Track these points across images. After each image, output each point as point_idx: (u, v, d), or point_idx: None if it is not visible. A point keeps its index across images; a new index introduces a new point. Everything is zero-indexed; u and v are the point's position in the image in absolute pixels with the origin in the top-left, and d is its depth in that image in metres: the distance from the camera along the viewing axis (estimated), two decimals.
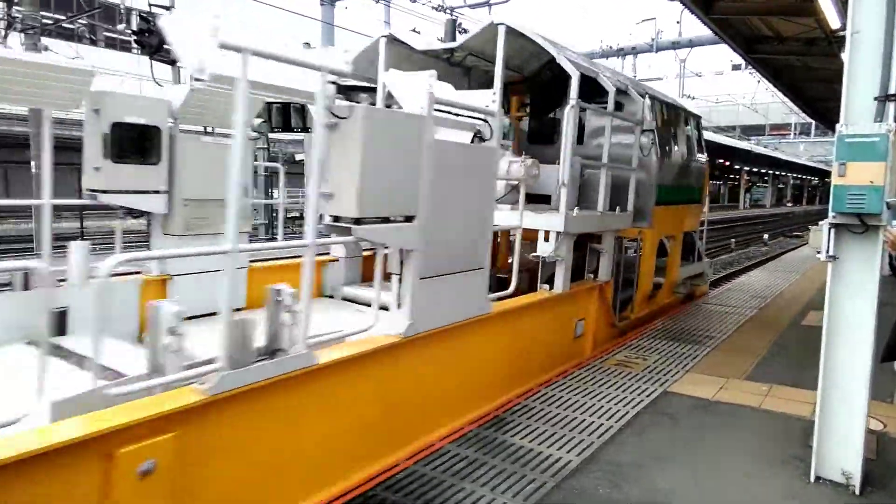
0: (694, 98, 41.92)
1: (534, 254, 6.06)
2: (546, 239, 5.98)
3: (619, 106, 6.97)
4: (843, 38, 3.84)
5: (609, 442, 4.53)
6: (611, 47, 29.41)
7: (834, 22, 10.83)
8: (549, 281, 6.16)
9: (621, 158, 7.09)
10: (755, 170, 58.75)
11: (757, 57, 15.88)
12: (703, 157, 9.67)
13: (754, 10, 12.51)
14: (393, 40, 6.53)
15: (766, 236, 28.18)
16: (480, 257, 4.80)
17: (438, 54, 7.14)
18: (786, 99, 23.89)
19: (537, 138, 8.16)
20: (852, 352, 3.82)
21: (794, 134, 63.15)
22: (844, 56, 3.78)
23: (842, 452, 3.89)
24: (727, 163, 48.72)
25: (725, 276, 16.53)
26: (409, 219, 4.00)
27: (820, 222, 4.31)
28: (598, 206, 6.50)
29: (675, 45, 28.01)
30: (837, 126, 3.72)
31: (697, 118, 9.57)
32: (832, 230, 3.77)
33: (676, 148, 8.58)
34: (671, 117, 8.40)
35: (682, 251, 9.45)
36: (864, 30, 3.67)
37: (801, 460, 4.23)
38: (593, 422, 4.87)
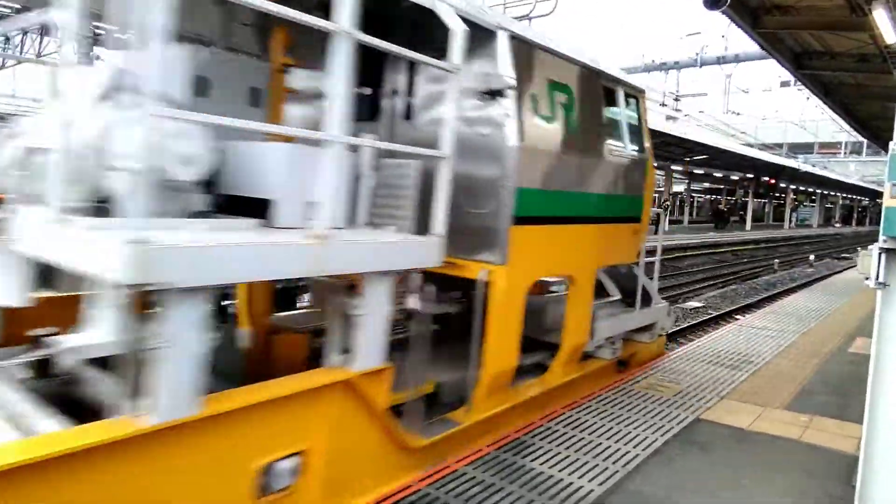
0: (739, 114, 41.09)
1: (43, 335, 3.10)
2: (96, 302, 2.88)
3: (443, 52, 3.79)
4: None
5: (634, 471, 4.31)
6: (654, 61, 29.00)
7: (889, 37, 10.45)
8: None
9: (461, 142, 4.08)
10: (802, 188, 57.24)
11: (806, 73, 15.46)
12: (642, 152, 6.37)
13: (804, 25, 12.17)
14: None
15: (811, 257, 27.27)
16: None
17: None
18: (837, 117, 23.19)
19: (367, 113, 5.08)
20: None
21: (845, 153, 61.34)
22: None
23: (888, 493, 3.63)
24: (772, 181, 47.59)
25: (768, 298, 15.99)
26: None
27: (869, 246, 4.01)
28: (323, 222, 3.23)
29: (721, 60, 27.42)
30: (890, 144, 3.49)
31: (636, 91, 6.40)
32: (883, 255, 3.54)
33: (580, 129, 5.29)
34: (572, 80, 5.23)
35: (624, 293, 6.62)
36: None
37: (842, 500, 3.98)
38: (618, 448, 4.65)
